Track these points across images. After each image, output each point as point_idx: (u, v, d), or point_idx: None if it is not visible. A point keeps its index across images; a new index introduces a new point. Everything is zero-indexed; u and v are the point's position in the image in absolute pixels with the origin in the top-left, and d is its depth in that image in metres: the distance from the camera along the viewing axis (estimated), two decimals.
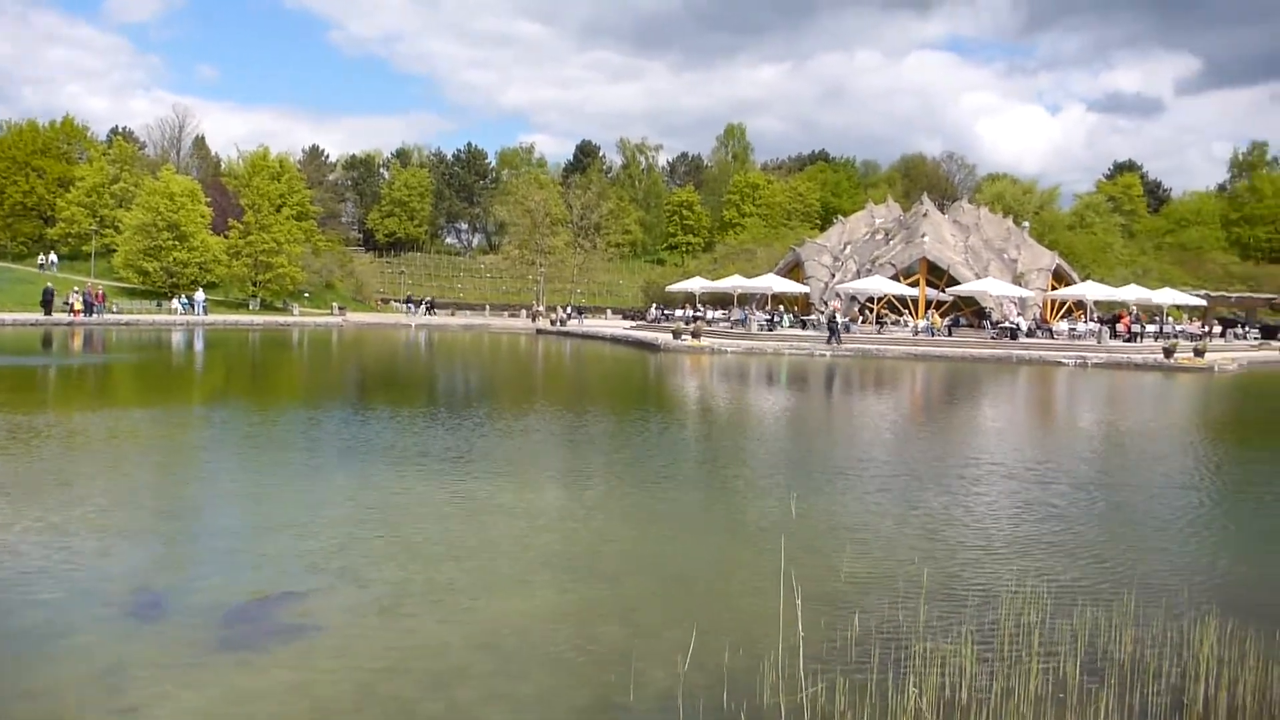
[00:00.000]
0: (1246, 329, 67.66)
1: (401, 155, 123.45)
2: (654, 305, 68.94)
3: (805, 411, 21.36)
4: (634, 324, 63.59)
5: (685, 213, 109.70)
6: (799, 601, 5.97)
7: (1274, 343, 61.28)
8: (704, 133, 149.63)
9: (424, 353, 40.05)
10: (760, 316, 50.75)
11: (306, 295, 72.37)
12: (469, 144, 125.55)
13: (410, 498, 9.93)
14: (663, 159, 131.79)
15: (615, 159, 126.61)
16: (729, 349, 39.61)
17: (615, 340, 48.67)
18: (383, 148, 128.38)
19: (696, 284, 59.26)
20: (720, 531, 9.06)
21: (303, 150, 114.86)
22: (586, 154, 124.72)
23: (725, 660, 5.56)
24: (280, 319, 60.89)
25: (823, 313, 48.29)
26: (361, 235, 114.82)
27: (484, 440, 14.17)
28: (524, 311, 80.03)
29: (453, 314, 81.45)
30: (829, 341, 41.02)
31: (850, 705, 4.99)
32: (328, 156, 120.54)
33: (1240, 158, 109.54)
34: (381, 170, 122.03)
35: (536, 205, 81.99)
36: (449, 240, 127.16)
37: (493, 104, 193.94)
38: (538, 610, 6.54)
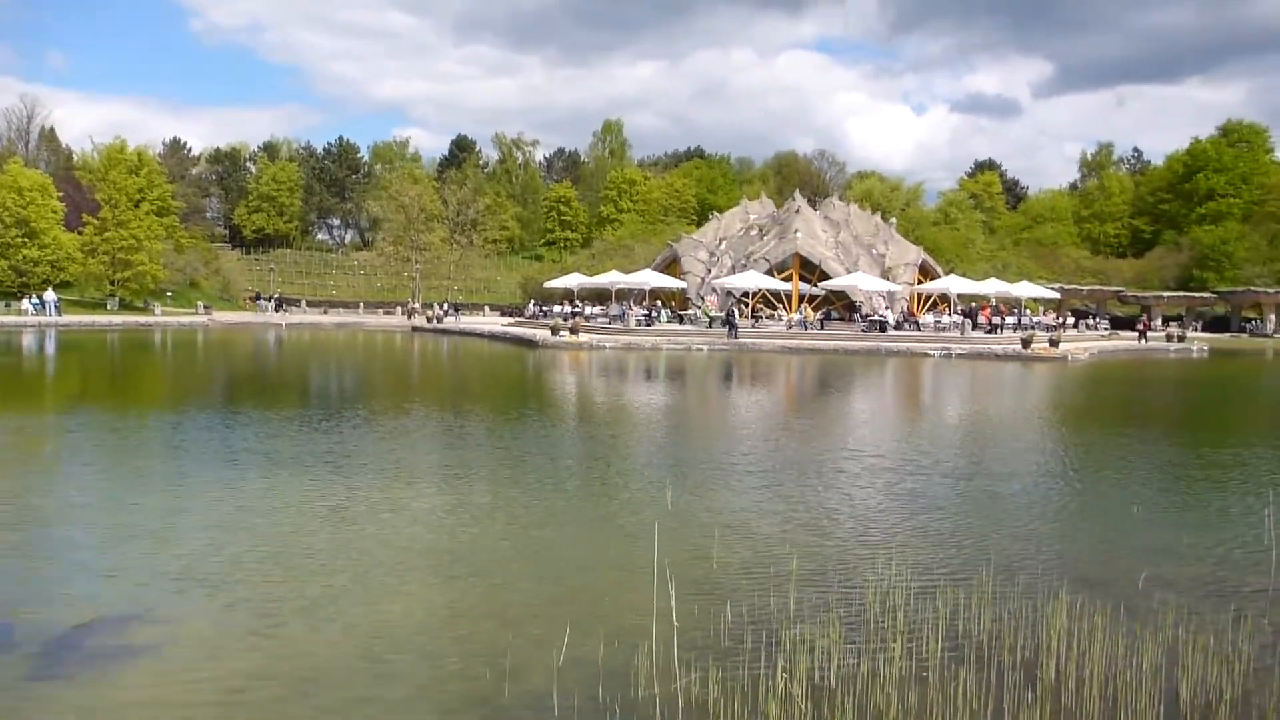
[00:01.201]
0: (1097, 320, 71.40)
1: (269, 148, 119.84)
2: (532, 301, 68.73)
3: (683, 406, 21.60)
4: (512, 321, 63.23)
5: (563, 209, 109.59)
6: (672, 592, 6.05)
7: (1122, 333, 64.74)
8: (581, 129, 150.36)
9: (294, 353, 39.00)
10: (638, 312, 51.06)
11: (169, 294, 69.63)
12: (340, 138, 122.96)
13: (278, 502, 9.66)
14: (540, 155, 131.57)
15: (492, 154, 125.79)
16: (607, 344, 39.74)
17: (493, 337, 48.30)
18: (249, 140, 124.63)
19: (575, 280, 59.30)
20: (596, 526, 9.10)
21: (163, 143, 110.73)
22: (462, 149, 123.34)
23: (600, 653, 5.59)
24: (141, 319, 58.40)
25: (723, 308, 49.00)
26: (228, 231, 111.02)
27: (357, 442, 13.89)
28: (399, 309, 78.73)
29: (325, 312, 79.53)
30: (729, 336, 41.74)
31: (723, 693, 5.08)
32: (190, 149, 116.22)
33: (1090, 158, 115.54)
34: (248, 164, 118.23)
35: (411, 201, 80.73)
36: (320, 236, 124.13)
37: (365, 97, 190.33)
38: (410, 612, 6.46)
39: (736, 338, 41.62)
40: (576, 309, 56.36)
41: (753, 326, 47.90)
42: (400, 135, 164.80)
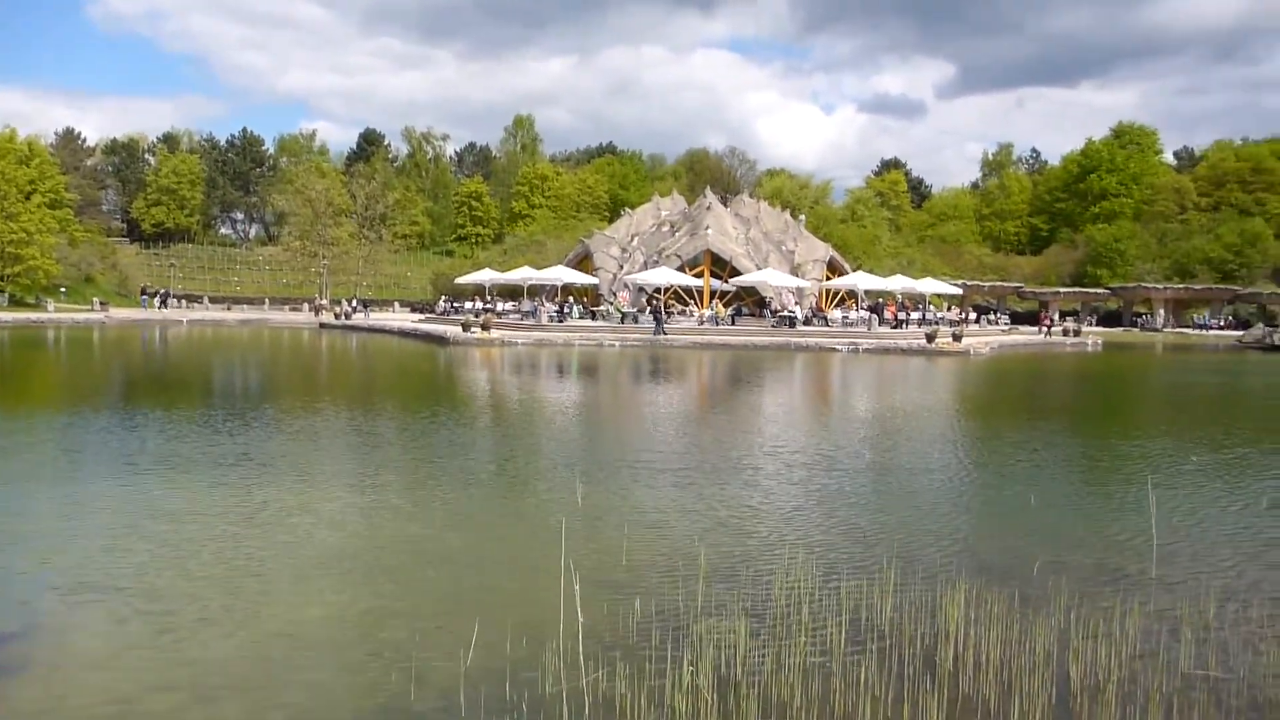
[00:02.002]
0: (998, 315, 73.46)
1: (169, 140, 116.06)
2: (443, 298, 67.95)
3: (595, 402, 21.62)
4: (423, 317, 62.48)
5: (474, 204, 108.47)
6: (578, 588, 6.06)
7: (1022, 328, 66.73)
8: (493, 123, 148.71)
9: (196, 352, 37.95)
10: (550, 308, 50.90)
11: (63, 291, 67.07)
12: (244, 129, 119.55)
13: (180, 505, 9.40)
14: (450, 149, 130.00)
15: (401, 148, 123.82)
16: (519, 341, 39.56)
17: (403, 334, 47.69)
18: (148, 131, 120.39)
19: (486, 276, 58.87)
20: (505, 524, 9.07)
21: (55, 133, 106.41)
22: (371, 142, 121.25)
23: (508, 651, 5.58)
24: (33, 316, 56.09)
25: (651, 304, 49.13)
26: (126, 225, 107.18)
27: (261, 443, 13.58)
28: (306, 305, 77.13)
29: (228, 309, 77.53)
30: (655, 333, 41.97)
31: (630, 687, 5.12)
32: (85, 140, 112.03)
33: (990, 158, 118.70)
34: (147, 155, 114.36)
35: (318, 195, 79.08)
36: (224, 231, 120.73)
37: (270, 88, 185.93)
38: (315, 615, 6.36)
39: (664, 334, 42.00)
40: (488, 305, 55.96)
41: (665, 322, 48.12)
42: (307, 128, 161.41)
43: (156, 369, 29.76)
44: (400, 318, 65.31)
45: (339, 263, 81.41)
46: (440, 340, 40.75)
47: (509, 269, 60.82)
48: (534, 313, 50.58)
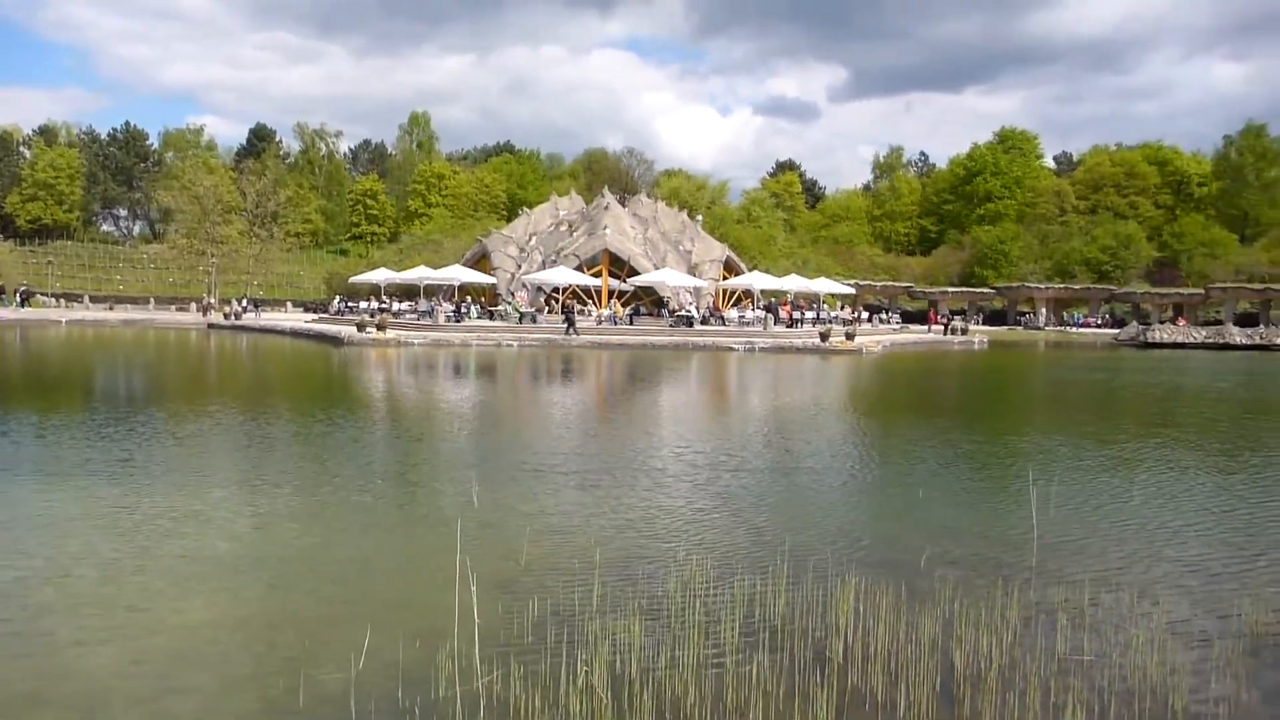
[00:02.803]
0: (889, 314, 75.33)
1: (46, 132, 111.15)
2: (337, 297, 66.67)
3: (493, 403, 21.46)
4: (316, 317, 61.15)
5: (369, 202, 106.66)
6: (474, 589, 6.02)
7: (912, 327, 68.52)
8: (388, 120, 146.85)
9: (76, 352, 36.42)
10: (447, 308, 50.36)
11: None
12: (127, 123, 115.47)
13: (58, 512, 9.02)
14: (344, 146, 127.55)
15: (293, 144, 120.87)
16: (416, 341, 39.03)
17: (296, 334, 46.59)
18: (23, 123, 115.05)
19: (382, 275, 58.02)
20: (399, 527, 8.94)
21: None
22: (261, 138, 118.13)
23: (400, 656, 5.51)
24: None
25: (559, 304, 49.06)
26: None
27: (146, 448, 13.10)
28: (194, 305, 74.77)
29: (111, 308, 74.65)
30: (567, 333, 41.91)
31: (524, 689, 5.10)
32: None
33: (881, 160, 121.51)
34: (22, 149, 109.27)
35: (206, 191, 76.69)
36: (106, 228, 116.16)
37: (155, 81, 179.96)
38: (202, 622, 6.17)
39: (576, 334, 42.02)
40: (384, 305, 55.11)
41: (562, 322, 48.08)
42: (194, 123, 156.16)
43: (31, 371, 28.44)
44: (293, 318, 63.78)
45: (228, 261, 79.13)
46: (334, 341, 39.95)
47: (405, 268, 60.10)
48: (430, 313, 49.98)
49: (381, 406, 19.92)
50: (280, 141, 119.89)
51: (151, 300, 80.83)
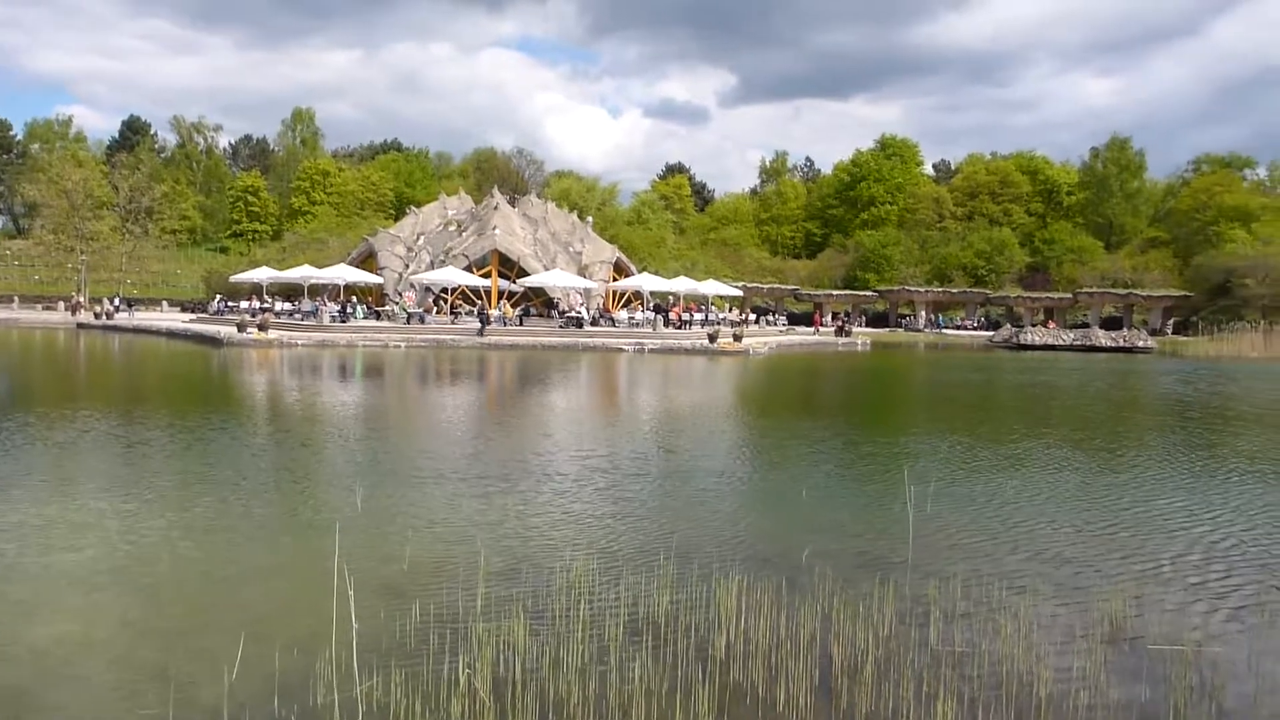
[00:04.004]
0: (776, 316, 76.66)
1: None
2: (217, 297, 64.63)
3: (380, 405, 21.08)
4: (194, 317, 59.12)
5: (251, 199, 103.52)
6: (352, 595, 5.90)
7: (798, 328, 69.89)
8: (271, 116, 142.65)
9: None
10: (332, 308, 49.30)
11: None
12: None
13: None
14: (224, 141, 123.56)
15: (169, 138, 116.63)
16: (299, 342, 38.10)
17: (172, 334, 44.97)
18: None
19: (264, 274, 56.54)
20: (279, 534, 8.71)
21: None
22: (135, 131, 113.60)
23: (277, 664, 5.38)
24: None
25: (473, 305, 48.61)
26: None
27: (6, 454, 12.48)
28: (62, 304, 71.47)
29: None
30: (479, 334, 41.70)
31: (405, 694, 5.04)
32: None
33: (768, 165, 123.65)
34: None
35: (75, 185, 73.39)
36: None
37: (20, 69, 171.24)
38: (66, 636, 5.91)
39: (485, 336, 41.83)
40: (266, 305, 53.64)
41: (452, 323, 47.57)
42: (63, 113, 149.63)
43: None
44: (169, 317, 61.48)
45: (99, 259, 75.92)
46: (213, 341, 38.69)
47: (288, 267, 58.74)
48: (315, 313, 48.85)
49: (263, 410, 19.38)
50: (156, 135, 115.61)
51: (15, 299, 76.94)
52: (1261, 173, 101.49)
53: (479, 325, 43.46)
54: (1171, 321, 78.63)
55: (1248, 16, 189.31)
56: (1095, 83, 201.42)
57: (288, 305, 54.18)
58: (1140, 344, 57.42)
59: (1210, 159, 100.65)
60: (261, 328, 39.10)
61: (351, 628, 5.63)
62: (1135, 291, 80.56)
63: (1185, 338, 67.95)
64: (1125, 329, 69.97)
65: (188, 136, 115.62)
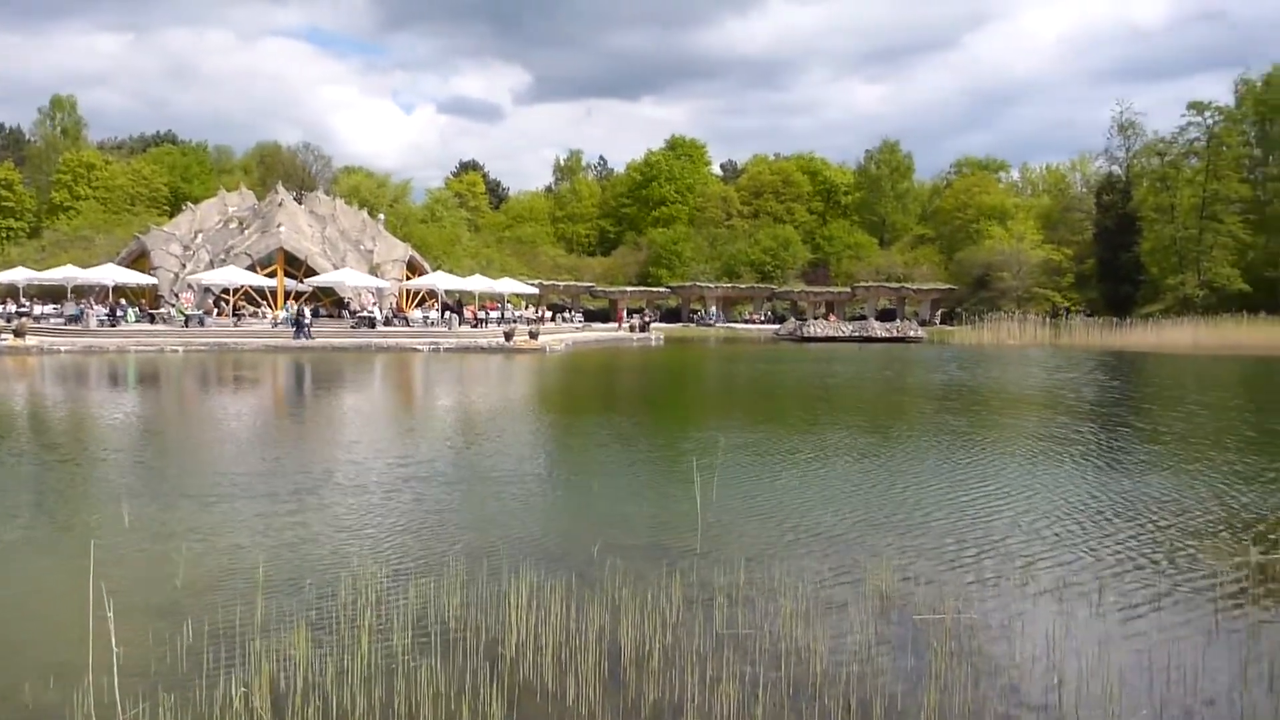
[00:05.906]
0: (572, 313, 77.15)
1: None
2: None
3: (154, 415, 19.86)
4: None
5: (4, 193, 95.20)
6: (111, 615, 5.52)
7: (595, 325, 70.60)
8: (26, 103, 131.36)
9: None
10: (100, 311, 46.09)
11: None
12: None
13: None
14: None
15: None
16: (63, 348, 35.48)
17: None
18: None
19: (20, 274, 52.49)
20: (32, 556, 8.07)
21: None
22: None
23: (28, 698, 4.99)
24: None
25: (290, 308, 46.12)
26: None
27: None
28: None
29: None
30: (296, 337, 39.71)
31: (176, 717, 4.78)
32: None
33: (563, 163, 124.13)
34: None
35: None
36: None
37: None
38: None
39: (308, 338, 39.94)
40: (23, 308, 49.60)
41: (235, 325, 45.41)
42: None
43: None
44: None
45: None
46: None
47: (49, 267, 54.99)
48: (80, 316, 45.55)
49: (21, 424, 17.88)
50: None
51: None
52: (1014, 175, 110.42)
53: (294, 329, 41.56)
54: (939, 313, 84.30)
55: (998, 33, 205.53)
56: (866, 89, 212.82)
57: (49, 309, 50.37)
58: (912, 334, 61.17)
59: (970, 162, 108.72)
60: (18, 334, 36.14)
61: (112, 652, 5.28)
62: (907, 285, 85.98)
63: (951, 327, 73.04)
64: (899, 320, 74.39)
65: None
